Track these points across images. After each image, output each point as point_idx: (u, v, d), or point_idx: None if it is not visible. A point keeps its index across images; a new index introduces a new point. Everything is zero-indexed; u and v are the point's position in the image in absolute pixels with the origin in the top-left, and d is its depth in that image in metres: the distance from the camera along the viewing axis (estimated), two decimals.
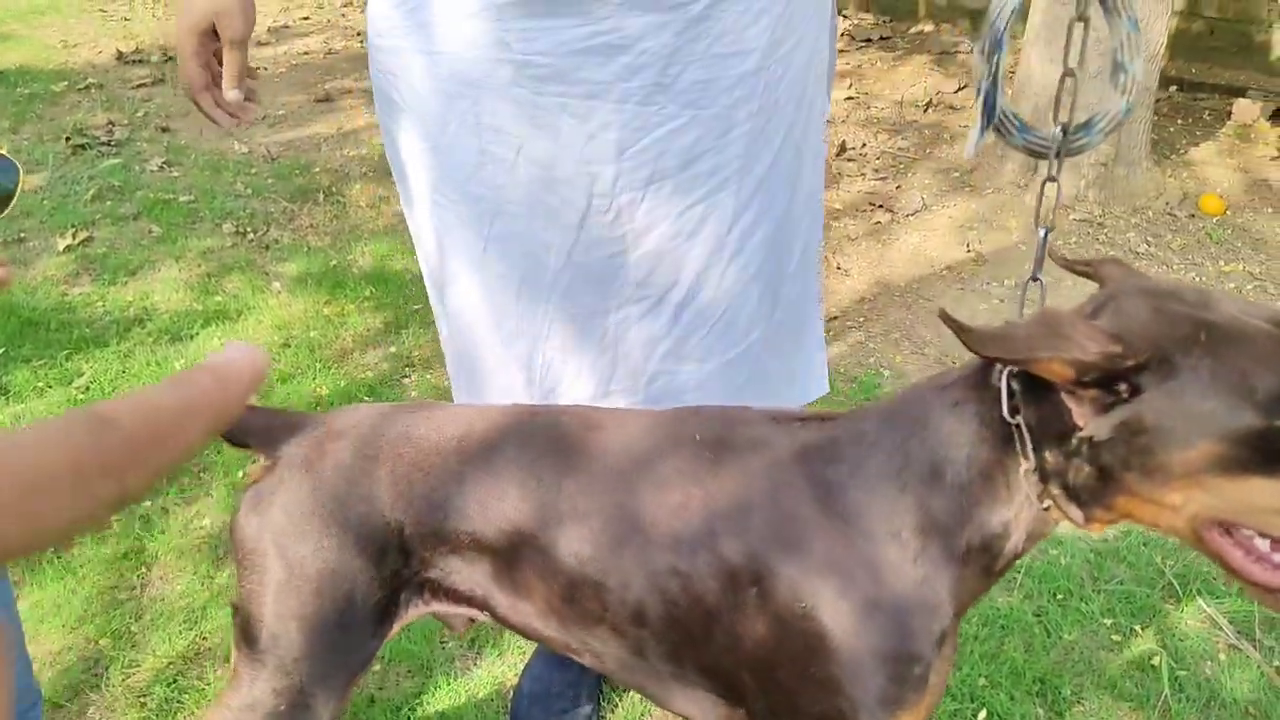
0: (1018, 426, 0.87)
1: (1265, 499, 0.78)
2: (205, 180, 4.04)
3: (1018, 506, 0.91)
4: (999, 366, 0.88)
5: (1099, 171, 3.71)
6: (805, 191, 1.47)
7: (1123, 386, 0.80)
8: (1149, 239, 3.61)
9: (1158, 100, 4.16)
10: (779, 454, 0.98)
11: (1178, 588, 2.09)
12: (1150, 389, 0.79)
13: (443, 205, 1.36)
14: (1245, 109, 4.56)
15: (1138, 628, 2.00)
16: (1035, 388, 0.86)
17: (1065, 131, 0.87)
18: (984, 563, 0.95)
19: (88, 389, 2.66)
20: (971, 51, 1.04)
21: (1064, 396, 0.83)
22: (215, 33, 1.25)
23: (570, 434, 1.07)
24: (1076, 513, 0.90)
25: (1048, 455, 0.88)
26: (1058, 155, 0.88)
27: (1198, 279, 3.41)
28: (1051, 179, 0.89)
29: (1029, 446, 0.87)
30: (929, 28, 5.99)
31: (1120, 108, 0.92)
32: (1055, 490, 0.89)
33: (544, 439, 1.08)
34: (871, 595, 0.92)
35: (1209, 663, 1.96)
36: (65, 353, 2.81)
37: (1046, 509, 0.91)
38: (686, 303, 1.37)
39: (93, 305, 3.09)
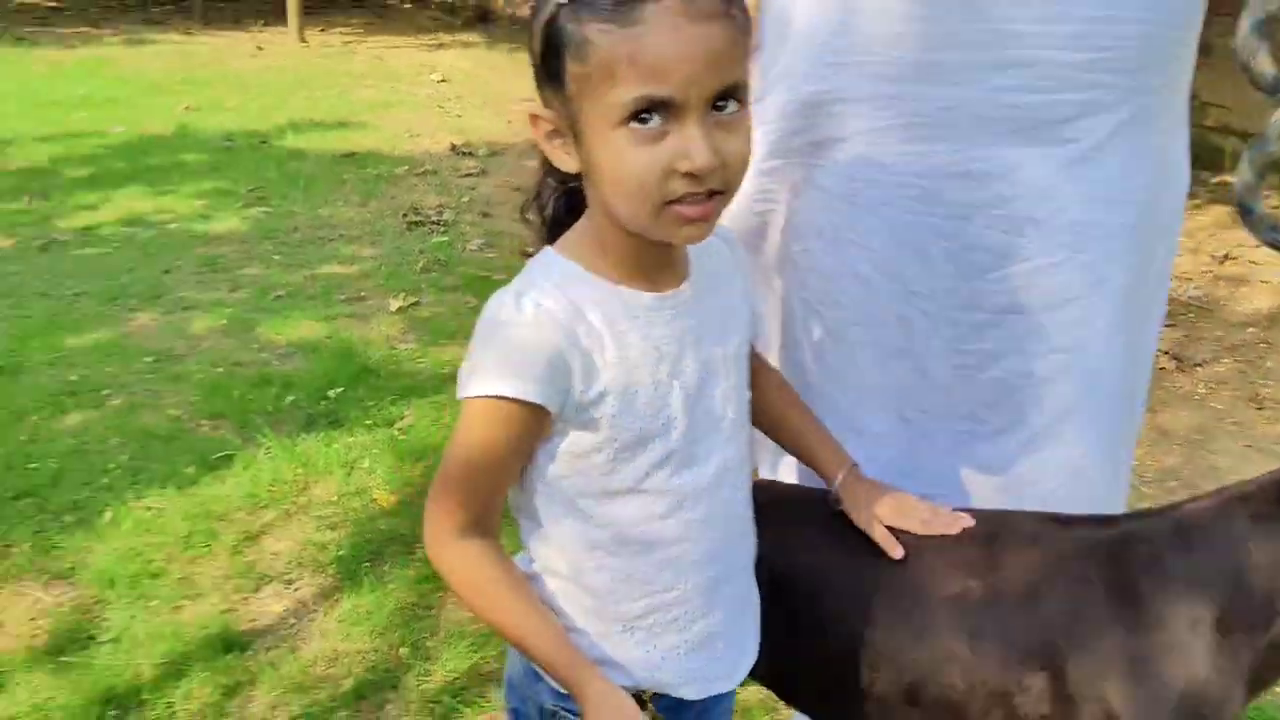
0: None
1: None
2: (519, 264, 4.47)
3: None
4: None
5: None
6: (1146, 368, 1.37)
7: None
8: None
9: None
10: (1062, 549, 1.07)
11: None
12: None
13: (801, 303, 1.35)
14: None
15: None
16: None
17: None
18: None
19: (407, 431, 3.04)
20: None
21: None
22: None
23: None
24: None
25: None
26: None
27: None
28: None
29: None
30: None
31: None
32: None
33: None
34: (1167, 687, 0.97)
35: None
36: (391, 398, 3.23)
37: None
38: (1031, 447, 1.25)
39: (416, 360, 3.53)
